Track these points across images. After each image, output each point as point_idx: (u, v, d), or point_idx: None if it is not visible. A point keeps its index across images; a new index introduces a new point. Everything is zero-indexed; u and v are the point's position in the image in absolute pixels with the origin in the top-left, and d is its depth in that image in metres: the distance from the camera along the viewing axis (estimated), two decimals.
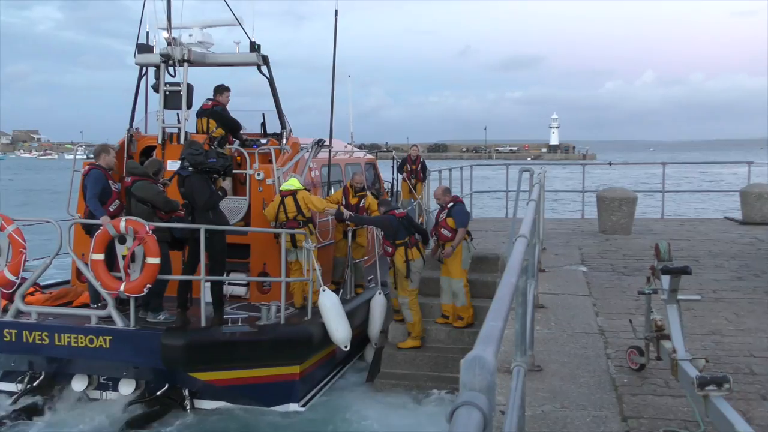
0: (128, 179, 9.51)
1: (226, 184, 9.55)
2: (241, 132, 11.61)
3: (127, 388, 9.16)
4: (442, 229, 10.69)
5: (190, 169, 9.19)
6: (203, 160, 9.20)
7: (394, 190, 17.70)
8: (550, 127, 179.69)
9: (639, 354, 5.83)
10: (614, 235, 14.16)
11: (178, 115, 11.47)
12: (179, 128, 11.26)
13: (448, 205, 10.77)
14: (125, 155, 11.47)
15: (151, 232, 8.61)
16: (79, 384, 9.27)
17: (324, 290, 9.92)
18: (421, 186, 17.17)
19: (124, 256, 8.69)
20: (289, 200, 10.52)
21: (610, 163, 21.21)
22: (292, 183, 10.67)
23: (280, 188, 10.71)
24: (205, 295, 9.12)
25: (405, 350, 10.79)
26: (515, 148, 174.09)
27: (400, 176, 17.56)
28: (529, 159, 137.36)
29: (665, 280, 5.34)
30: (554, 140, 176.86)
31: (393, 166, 17.80)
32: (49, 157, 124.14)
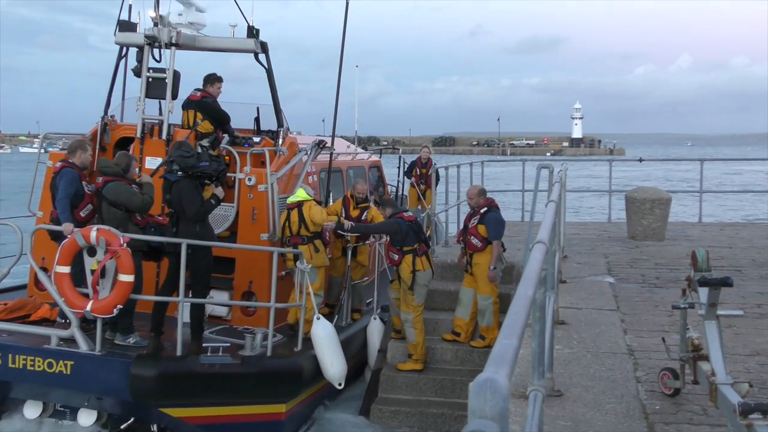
0: (99, 180, 9.43)
1: (219, 191, 9.49)
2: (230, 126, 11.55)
3: (87, 418, 9.06)
4: (472, 237, 10.63)
5: (180, 173, 9.13)
6: (195, 163, 9.14)
7: (400, 194, 17.65)
8: (573, 118, 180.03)
9: (673, 377, 5.83)
10: (645, 242, 14.17)
11: (160, 105, 11.44)
12: (162, 120, 11.19)
13: (482, 210, 10.71)
14: (97, 147, 11.44)
15: (125, 244, 8.52)
16: (32, 411, 9.21)
17: (318, 318, 9.87)
18: (431, 193, 17.16)
19: (93, 271, 8.60)
20: (294, 213, 10.56)
21: (640, 160, 21.22)
22: (299, 194, 10.66)
23: (288, 200, 10.74)
24: (183, 316, 9.05)
25: (406, 372, 10.78)
26: (532, 142, 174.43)
27: (407, 180, 17.53)
28: (548, 154, 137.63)
29: (703, 292, 5.34)
30: (577, 133, 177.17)
31: (400, 167, 17.74)
32: (1, 150, 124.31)
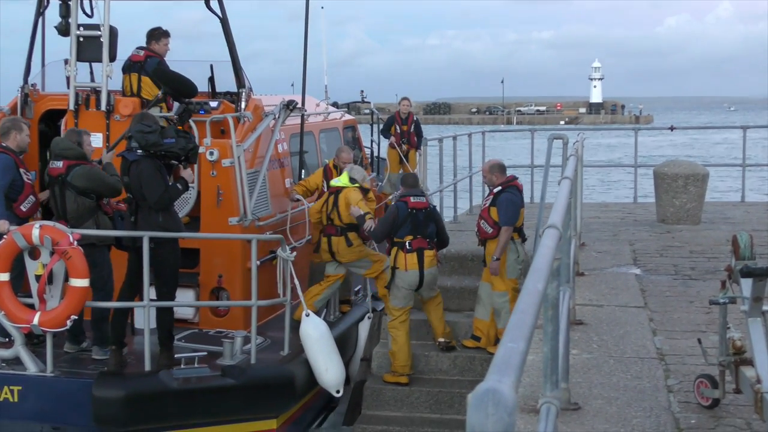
0: (59, 164, 9.31)
1: (188, 173, 9.42)
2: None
3: None
4: (482, 221, 10.65)
5: (140, 152, 9.00)
6: (157, 140, 8.98)
7: (374, 157, 17.54)
8: (591, 79, 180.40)
9: (711, 385, 5.89)
10: (678, 226, 14.26)
11: (91, 69, 11.31)
12: (99, 88, 11.08)
13: (495, 190, 10.68)
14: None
15: (76, 242, 8.45)
16: None
17: (308, 315, 9.88)
18: (415, 154, 17.07)
19: (38, 277, 8.53)
20: (331, 199, 10.83)
21: (672, 128, 21.30)
22: (343, 179, 10.91)
23: (331, 183, 10.97)
24: (148, 325, 8.93)
25: (396, 385, 10.82)
26: (543, 109, 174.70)
27: (385, 141, 17.39)
28: (562, 123, 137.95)
29: (746, 285, 5.39)
30: (596, 97, 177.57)
31: (372, 126, 17.62)
32: None
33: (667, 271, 10.73)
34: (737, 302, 5.57)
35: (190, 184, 9.83)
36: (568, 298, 6.24)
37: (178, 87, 11.07)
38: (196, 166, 10.58)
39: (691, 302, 9.03)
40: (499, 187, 10.63)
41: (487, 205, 10.69)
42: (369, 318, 11.64)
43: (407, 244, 10.46)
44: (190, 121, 10.77)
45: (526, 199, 18.39)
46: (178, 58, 11.85)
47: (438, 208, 13.94)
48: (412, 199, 10.57)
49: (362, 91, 20.60)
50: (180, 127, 10.24)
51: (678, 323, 8.25)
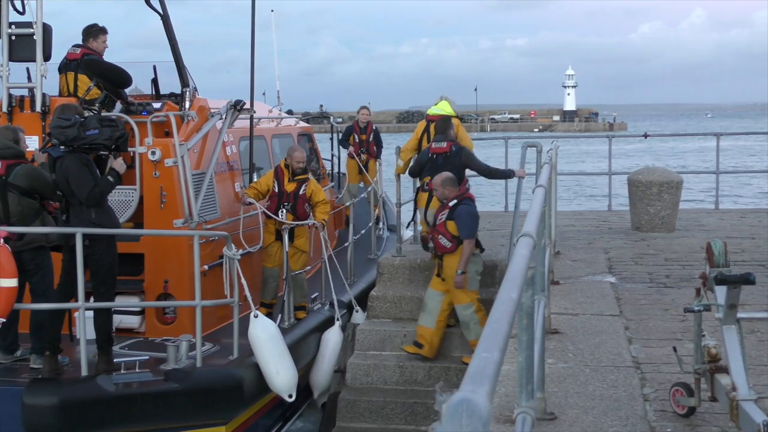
0: None
1: (119, 163, 9.21)
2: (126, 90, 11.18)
3: None
4: (440, 236, 10.62)
5: (62, 148, 8.85)
6: (77, 133, 8.75)
7: (335, 170, 17.52)
8: (565, 87, 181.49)
9: (687, 393, 5.91)
10: (652, 233, 14.34)
11: (28, 70, 11.12)
12: (33, 88, 10.89)
13: (450, 203, 10.68)
14: None
15: (2, 240, 8.31)
16: None
17: (257, 316, 9.77)
18: (375, 164, 17.07)
19: None
20: (432, 128, 11.76)
21: (645, 135, 21.50)
22: (442, 107, 11.79)
23: (428, 112, 11.54)
24: (84, 329, 8.80)
25: (371, 397, 10.80)
26: (517, 116, 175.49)
27: (344, 151, 17.35)
28: (536, 130, 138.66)
29: (721, 292, 5.42)
30: (570, 104, 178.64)
31: (332, 138, 17.60)
32: None
33: (642, 279, 10.78)
34: (712, 310, 5.60)
35: (134, 187, 9.69)
36: (544, 307, 6.27)
37: (110, 77, 10.90)
38: (137, 165, 10.45)
39: (666, 310, 9.08)
40: (455, 200, 10.63)
41: (443, 219, 10.65)
42: (339, 324, 11.55)
43: (425, 184, 11.62)
44: (132, 122, 10.49)
45: (501, 207, 18.53)
46: (118, 60, 11.72)
47: (411, 217, 13.98)
48: (433, 145, 11.61)
49: (321, 105, 20.71)
50: (105, 115, 9.94)
51: (653, 331, 8.29)
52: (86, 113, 9.64)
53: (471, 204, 10.68)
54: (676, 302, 9.21)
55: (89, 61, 10.90)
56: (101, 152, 9.05)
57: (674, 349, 6.48)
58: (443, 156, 11.41)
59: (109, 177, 9.04)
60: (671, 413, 6.01)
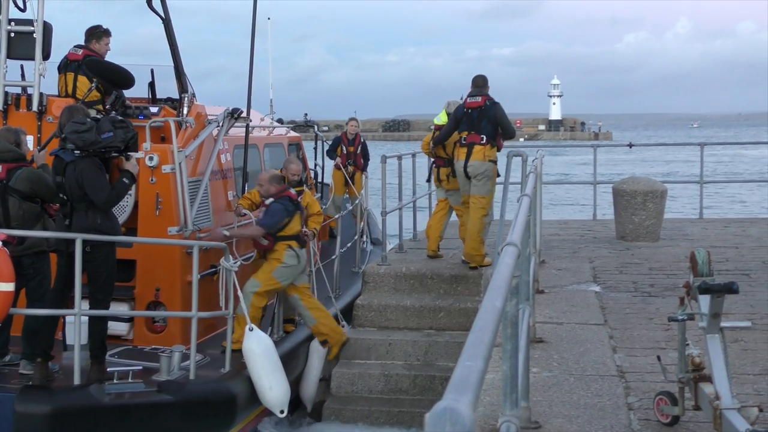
0: None
1: (132, 164, 9.13)
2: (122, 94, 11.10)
3: None
4: (262, 238, 10.60)
5: (77, 152, 8.73)
6: (95, 138, 8.67)
7: (318, 180, 17.47)
8: (550, 96, 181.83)
9: (671, 402, 5.93)
10: (637, 243, 14.38)
11: (22, 67, 11.02)
12: (29, 87, 10.79)
13: (268, 201, 10.61)
14: None
15: (1, 244, 8.27)
16: None
17: (251, 330, 9.68)
18: (361, 177, 17.04)
19: None
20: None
21: (630, 145, 21.54)
22: (442, 117, 12.88)
23: (434, 121, 12.59)
24: (79, 335, 8.77)
25: (356, 406, 10.80)
26: None
27: (331, 163, 17.26)
28: (521, 140, 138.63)
29: (704, 301, 5.44)
30: (555, 114, 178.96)
31: (316, 147, 17.57)
32: None
33: (626, 288, 10.81)
34: (696, 319, 5.62)
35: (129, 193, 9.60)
36: (528, 316, 6.27)
37: (112, 78, 10.80)
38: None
39: (650, 319, 9.10)
40: (272, 199, 10.58)
41: (261, 216, 10.67)
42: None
43: (462, 139, 11.96)
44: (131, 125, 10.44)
45: None
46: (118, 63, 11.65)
47: (397, 226, 13.98)
48: (468, 100, 12.09)
49: (305, 114, 20.67)
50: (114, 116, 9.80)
51: (638, 340, 8.30)
52: (98, 116, 9.61)
53: (286, 202, 10.60)
54: (660, 311, 9.23)
55: (91, 61, 10.77)
56: (113, 154, 8.97)
57: (658, 358, 6.50)
58: (478, 110, 11.95)
59: (123, 179, 8.98)
60: (655, 422, 6.03)
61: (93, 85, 10.68)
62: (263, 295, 10.37)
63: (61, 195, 8.92)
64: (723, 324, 5.44)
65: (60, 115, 9.34)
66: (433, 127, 13.25)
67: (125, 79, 10.92)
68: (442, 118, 12.84)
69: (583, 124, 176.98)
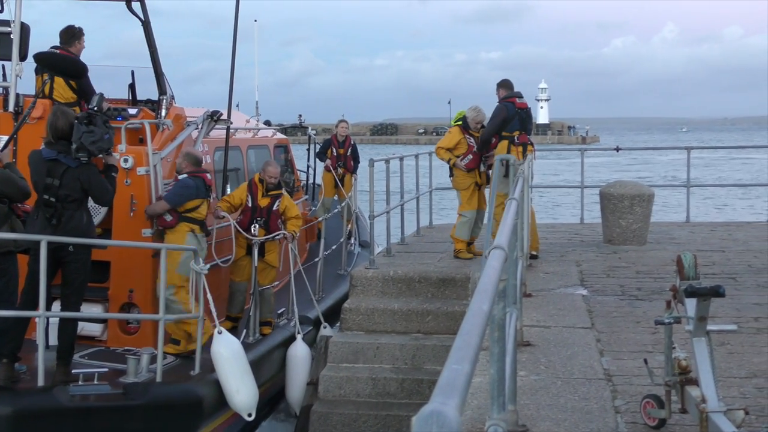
0: None
1: (113, 159, 9.16)
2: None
3: None
4: (166, 214, 10.43)
5: (84, 159, 8.76)
6: (109, 144, 8.92)
7: (310, 182, 17.46)
8: (537, 100, 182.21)
9: (657, 405, 5.95)
10: (624, 246, 14.42)
11: (3, 68, 11.00)
12: (6, 88, 10.76)
13: (180, 177, 10.54)
14: None
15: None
16: None
17: (220, 333, 9.62)
18: (351, 178, 17.09)
19: None
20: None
21: (617, 149, 21.59)
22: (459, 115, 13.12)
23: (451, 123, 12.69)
24: (45, 334, 8.63)
25: (344, 410, 10.78)
26: None
27: (321, 164, 17.31)
28: None
29: (691, 305, 5.46)
30: (543, 118, 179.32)
31: (309, 149, 17.58)
32: None
33: (613, 291, 10.83)
34: (682, 322, 5.64)
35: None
36: (515, 319, 6.28)
37: (64, 68, 10.75)
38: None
39: (637, 322, 9.12)
40: (185, 175, 10.50)
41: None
42: (301, 338, 11.47)
43: (516, 138, 12.26)
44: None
45: None
46: (96, 63, 11.64)
47: (385, 230, 13.98)
48: (518, 100, 12.44)
49: (300, 115, 20.65)
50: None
51: (625, 344, 8.32)
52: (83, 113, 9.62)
53: (200, 182, 10.49)
54: (647, 315, 9.25)
55: (42, 55, 10.75)
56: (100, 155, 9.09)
57: (645, 361, 6.52)
58: (525, 111, 12.63)
59: (112, 174, 9.14)
60: (642, 425, 6.04)
61: (47, 79, 10.64)
62: (181, 291, 10.18)
63: (47, 197, 8.88)
64: (709, 327, 5.46)
65: (48, 117, 9.32)
66: (432, 130, 13.30)
67: (77, 67, 10.88)
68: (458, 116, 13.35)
69: (570, 128, 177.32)
